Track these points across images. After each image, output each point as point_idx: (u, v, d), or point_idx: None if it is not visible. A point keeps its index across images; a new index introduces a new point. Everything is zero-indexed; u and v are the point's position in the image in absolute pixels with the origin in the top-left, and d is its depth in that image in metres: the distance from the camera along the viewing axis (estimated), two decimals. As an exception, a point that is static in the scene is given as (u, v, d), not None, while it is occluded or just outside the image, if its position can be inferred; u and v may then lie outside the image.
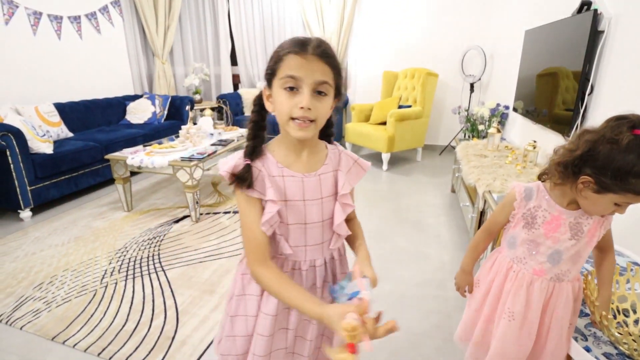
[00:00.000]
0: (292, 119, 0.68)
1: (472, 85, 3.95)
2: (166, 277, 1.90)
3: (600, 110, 1.66)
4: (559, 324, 0.91)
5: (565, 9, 2.00)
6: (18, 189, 2.50)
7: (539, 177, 0.92)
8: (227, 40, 4.89)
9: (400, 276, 1.92)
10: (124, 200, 2.68)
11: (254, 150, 0.75)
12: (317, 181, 0.76)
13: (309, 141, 0.76)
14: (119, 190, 2.66)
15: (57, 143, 2.99)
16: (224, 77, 5.06)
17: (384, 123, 3.79)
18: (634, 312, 1.02)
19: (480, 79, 3.89)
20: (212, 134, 3.13)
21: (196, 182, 2.47)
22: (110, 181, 3.21)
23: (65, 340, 1.47)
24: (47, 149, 2.74)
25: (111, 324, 1.57)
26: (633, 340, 0.84)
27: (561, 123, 1.90)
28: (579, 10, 1.81)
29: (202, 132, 3.06)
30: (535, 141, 2.14)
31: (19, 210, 2.56)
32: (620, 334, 0.88)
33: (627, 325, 1.00)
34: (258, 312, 0.80)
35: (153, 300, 1.71)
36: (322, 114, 0.70)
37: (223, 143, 2.93)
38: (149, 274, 1.93)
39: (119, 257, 2.09)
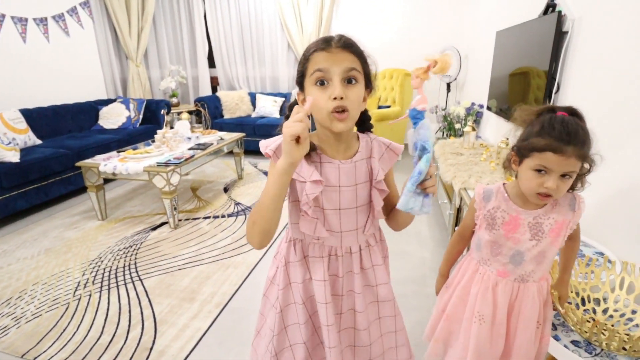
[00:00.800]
0: (331, 112, 0.70)
1: (448, 85, 4.04)
2: (143, 286, 1.85)
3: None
4: (525, 325, 0.91)
5: (532, 11, 2.08)
6: (-18, 200, 2.39)
7: (503, 165, 0.93)
8: (204, 42, 4.83)
9: (382, 276, 1.94)
10: (97, 208, 2.60)
11: None
12: (352, 168, 0.78)
13: (345, 134, 0.77)
14: (92, 198, 2.58)
15: (25, 151, 2.87)
16: (201, 79, 4.99)
17: (364, 123, 3.83)
18: (605, 301, 1.07)
19: (456, 79, 3.98)
20: (189, 138, 3.09)
21: (174, 187, 2.43)
22: (83, 189, 3.11)
23: (36, 357, 1.42)
24: (14, 157, 2.64)
25: (85, 337, 1.52)
26: (584, 318, 0.88)
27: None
28: (545, 12, 1.89)
29: (179, 136, 3.01)
30: (507, 138, 2.21)
31: (-16, 223, 2.45)
32: (573, 313, 0.92)
33: (595, 313, 1.05)
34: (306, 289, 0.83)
35: (130, 311, 1.67)
36: (354, 102, 0.71)
37: (201, 147, 2.89)
38: (125, 284, 1.88)
39: (93, 268, 2.02)
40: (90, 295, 1.80)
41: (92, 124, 3.88)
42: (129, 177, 2.45)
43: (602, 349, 0.90)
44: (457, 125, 3.31)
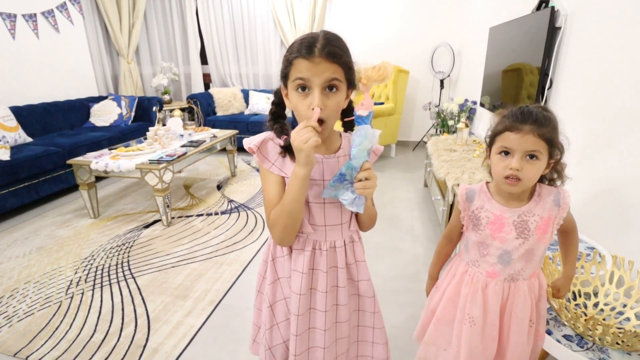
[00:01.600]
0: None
1: (441, 82, 4.06)
2: (136, 284, 1.85)
3: (559, 103, 1.74)
4: (518, 324, 0.90)
5: (526, 6, 2.09)
6: (-29, 199, 2.36)
7: (483, 164, 0.95)
8: (196, 39, 4.79)
9: (376, 271, 1.95)
10: (89, 206, 2.58)
11: (283, 128, 0.80)
12: (335, 162, 0.81)
13: (324, 133, 0.78)
14: (83, 196, 2.56)
15: (15, 149, 2.84)
16: (194, 76, 4.95)
17: (358, 120, 3.83)
18: (596, 296, 1.09)
19: (449, 76, 4.00)
20: (182, 135, 3.06)
21: (166, 185, 2.41)
22: (75, 187, 3.08)
23: (29, 356, 1.41)
24: (3, 155, 2.60)
25: (78, 336, 1.51)
26: (577, 314, 0.89)
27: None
28: (538, 8, 1.90)
29: (171, 133, 2.99)
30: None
31: (-26, 222, 2.42)
32: (567, 309, 0.93)
33: (585, 308, 1.06)
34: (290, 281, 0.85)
35: (122, 309, 1.66)
36: (332, 111, 0.73)
37: (194, 144, 2.87)
38: (118, 282, 1.87)
39: (85, 266, 2.01)
40: (82, 293, 1.78)
41: (83, 122, 3.83)
42: (121, 175, 2.43)
43: (593, 343, 0.92)
44: (451, 122, 3.32)
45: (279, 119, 0.82)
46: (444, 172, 2.06)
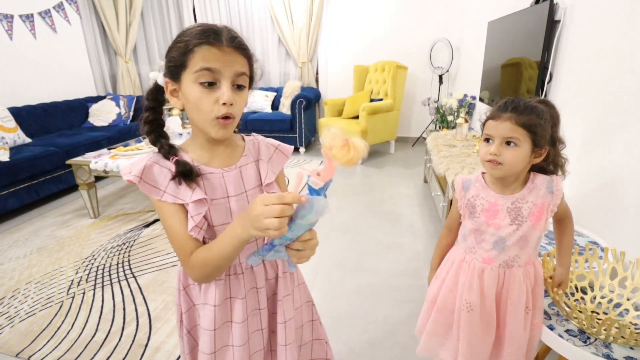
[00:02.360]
0: (217, 117, 0.63)
1: (440, 77, 4.04)
2: (137, 283, 1.84)
3: (559, 97, 1.73)
4: (514, 310, 0.92)
5: (524, 0, 2.07)
6: (-29, 200, 2.35)
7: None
8: (194, 37, 4.76)
9: (376, 268, 1.95)
10: (89, 206, 2.58)
11: (171, 149, 0.68)
12: (237, 174, 0.72)
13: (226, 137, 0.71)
14: (83, 196, 2.55)
15: (14, 150, 2.83)
16: (192, 75, 4.93)
17: (357, 117, 3.81)
18: (592, 289, 1.08)
19: (448, 71, 3.98)
20: (180, 134, 3.05)
21: (166, 184, 2.40)
22: (74, 188, 3.07)
23: (31, 356, 1.40)
24: (3, 156, 2.59)
25: (79, 335, 1.51)
26: (579, 311, 0.89)
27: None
28: (537, 1, 1.88)
29: (170, 132, 2.96)
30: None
31: (-26, 223, 2.42)
32: (570, 307, 0.93)
33: (584, 302, 1.06)
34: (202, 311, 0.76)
35: (124, 308, 1.66)
36: (241, 109, 0.66)
37: (193, 143, 2.86)
38: (119, 281, 1.87)
39: (86, 266, 2.01)
40: (84, 293, 1.78)
41: (82, 122, 3.82)
42: (120, 175, 2.42)
43: (596, 339, 0.91)
44: (450, 117, 3.31)
45: (158, 130, 0.70)
46: (444, 168, 2.05)
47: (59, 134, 3.40)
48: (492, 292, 0.93)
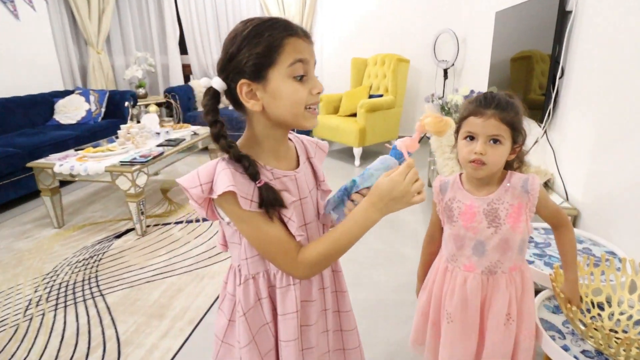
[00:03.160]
0: (307, 108, 0.68)
1: (445, 71, 4.05)
2: (105, 302, 1.80)
3: (571, 93, 1.74)
4: (495, 319, 0.95)
5: (535, -12, 2.07)
6: None
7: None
8: (175, 26, 4.75)
9: (376, 281, 1.93)
10: (53, 215, 2.53)
11: (250, 161, 0.67)
12: (303, 175, 0.77)
13: (285, 136, 0.76)
14: (46, 203, 2.50)
15: (-32, 150, 2.77)
16: (172, 67, 4.90)
17: (355, 114, 3.80)
18: (609, 305, 1.07)
19: (453, 65, 3.99)
20: (158, 133, 3.02)
21: (140, 189, 2.37)
22: (36, 193, 3.00)
23: (-20, 388, 1.36)
24: (-46, 158, 2.53)
25: (37, 363, 1.46)
26: (594, 329, 0.87)
27: (536, 109, 1.98)
28: (548, -11, 1.89)
29: (146, 131, 2.94)
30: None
31: None
32: (585, 325, 0.91)
33: (601, 320, 1.05)
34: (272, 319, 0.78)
35: (89, 332, 1.61)
36: None
37: (172, 143, 2.83)
38: (84, 300, 1.82)
39: (47, 283, 1.96)
40: (43, 314, 1.73)
41: (47, 119, 3.78)
42: (88, 179, 2.38)
43: (614, 360, 0.90)
44: (456, 115, 3.31)
45: (231, 142, 0.68)
46: (449, 171, 2.04)
47: (19, 133, 3.34)
48: (476, 302, 0.95)
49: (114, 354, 1.50)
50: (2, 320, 1.70)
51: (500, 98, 0.87)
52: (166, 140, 2.90)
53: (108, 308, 1.76)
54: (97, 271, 2.06)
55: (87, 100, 3.86)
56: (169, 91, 4.24)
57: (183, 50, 4.88)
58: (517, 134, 0.88)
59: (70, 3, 4.33)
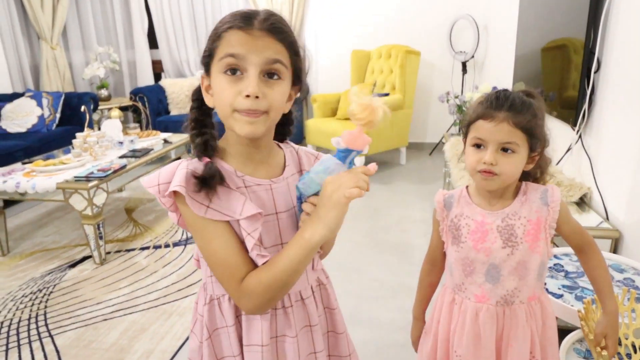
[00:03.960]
0: (236, 110, 0.69)
1: (464, 65, 4.11)
2: (54, 345, 1.81)
3: (609, 90, 1.75)
4: (516, 359, 0.93)
5: (562, -34, 2.12)
6: None
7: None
8: (143, 16, 4.85)
9: (377, 318, 1.93)
10: (-5, 240, 2.55)
11: (206, 146, 0.72)
12: (285, 186, 0.79)
13: (264, 140, 0.76)
14: (-13, 227, 2.53)
15: None
16: (140, 64, 4.99)
17: (355, 117, 3.85)
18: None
19: (473, 57, 4.06)
20: (121, 143, 3.05)
21: (98, 209, 2.39)
22: (-23, 215, 3.04)
23: None
24: None
25: (-30, 419, 1.46)
26: None
27: (569, 108, 1.99)
28: (577, -33, 1.93)
29: (106, 140, 2.98)
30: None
31: None
32: None
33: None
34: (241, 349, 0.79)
35: (34, 380, 1.62)
36: (276, 102, 0.70)
37: (137, 154, 2.86)
38: (30, 342, 1.83)
39: (-14, 322, 1.97)
40: (-21, 360, 1.74)
41: (-9, 127, 3.82)
42: (38, 198, 2.41)
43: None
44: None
45: (205, 130, 0.74)
46: (465, 184, 2.06)
47: (-42, 144, 3.38)
48: (491, 339, 0.94)
49: (63, 407, 1.50)
50: None
51: (514, 98, 0.86)
52: (130, 151, 2.93)
53: (57, 352, 1.76)
54: (45, 307, 2.06)
55: (40, 105, 3.91)
56: (136, 92, 4.30)
57: (153, 44, 4.97)
58: (534, 141, 0.87)
59: (21, -9, 4.43)
